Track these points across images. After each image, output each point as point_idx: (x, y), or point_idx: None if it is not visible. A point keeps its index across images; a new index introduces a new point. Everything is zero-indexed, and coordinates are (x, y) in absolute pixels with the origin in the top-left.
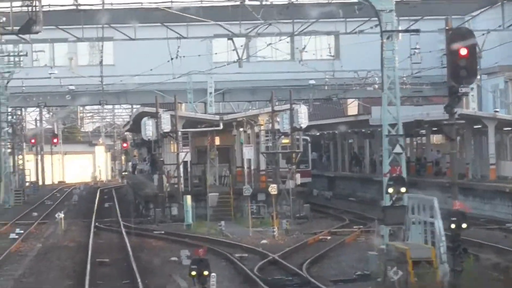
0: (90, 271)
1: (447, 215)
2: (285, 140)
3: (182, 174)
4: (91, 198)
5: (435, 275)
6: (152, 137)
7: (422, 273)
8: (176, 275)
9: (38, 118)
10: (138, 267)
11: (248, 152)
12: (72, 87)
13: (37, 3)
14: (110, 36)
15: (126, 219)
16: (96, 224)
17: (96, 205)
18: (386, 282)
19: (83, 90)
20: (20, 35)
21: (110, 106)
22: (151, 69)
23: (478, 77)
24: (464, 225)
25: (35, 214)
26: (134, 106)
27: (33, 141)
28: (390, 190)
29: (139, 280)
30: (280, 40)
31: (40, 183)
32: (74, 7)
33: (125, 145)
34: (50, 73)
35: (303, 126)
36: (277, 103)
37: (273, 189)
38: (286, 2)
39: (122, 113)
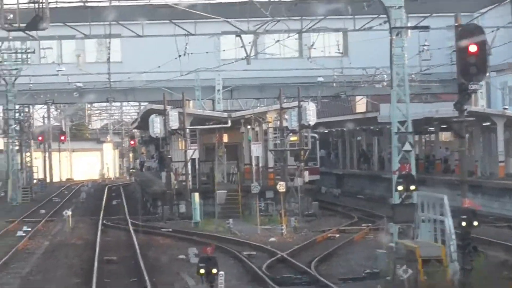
0: (98, 269)
1: (456, 213)
2: (293, 138)
3: (190, 172)
4: (99, 196)
5: (445, 274)
6: (160, 134)
7: (432, 271)
8: (184, 273)
9: (45, 115)
10: (146, 265)
11: (256, 150)
12: (80, 84)
13: (44, 0)
14: (117, 33)
15: (134, 216)
16: (104, 221)
17: (103, 203)
18: (395, 281)
19: (90, 87)
20: (27, 32)
21: (118, 104)
22: (158, 66)
23: (487, 74)
24: (475, 223)
25: (42, 211)
26: (142, 103)
27: (40, 138)
28: (400, 187)
29: (146, 278)
30: (289, 36)
31: (48, 180)
32: (81, 4)
33: (133, 142)
34: (58, 70)
35: (312, 123)
36: (285, 100)
37: (281, 186)
38: None
39: (130, 110)
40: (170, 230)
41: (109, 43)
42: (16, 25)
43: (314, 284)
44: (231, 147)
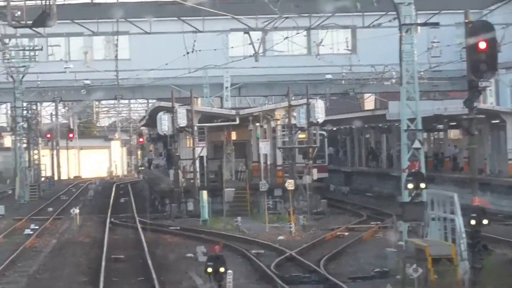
0: (105, 267)
1: (466, 211)
2: (302, 135)
3: (198, 169)
4: (107, 193)
5: (456, 273)
6: (168, 131)
7: (442, 270)
8: (192, 272)
9: (53, 112)
10: (154, 264)
11: (264, 147)
12: (88, 82)
13: None
14: (125, 30)
15: (142, 214)
16: (112, 219)
17: (111, 200)
18: (405, 280)
19: (98, 85)
20: (34, 29)
21: (126, 101)
22: (166, 64)
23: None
24: (485, 221)
25: (50, 209)
26: (150, 101)
27: (48, 136)
28: (409, 185)
29: (154, 276)
30: (297, 33)
31: (56, 178)
32: (89, 1)
33: (141, 140)
34: (66, 68)
35: (320, 121)
36: (293, 98)
37: (290, 184)
38: None
39: (138, 107)
40: (178, 228)
41: (117, 40)
42: (23, 22)
43: (323, 283)
44: (239, 145)
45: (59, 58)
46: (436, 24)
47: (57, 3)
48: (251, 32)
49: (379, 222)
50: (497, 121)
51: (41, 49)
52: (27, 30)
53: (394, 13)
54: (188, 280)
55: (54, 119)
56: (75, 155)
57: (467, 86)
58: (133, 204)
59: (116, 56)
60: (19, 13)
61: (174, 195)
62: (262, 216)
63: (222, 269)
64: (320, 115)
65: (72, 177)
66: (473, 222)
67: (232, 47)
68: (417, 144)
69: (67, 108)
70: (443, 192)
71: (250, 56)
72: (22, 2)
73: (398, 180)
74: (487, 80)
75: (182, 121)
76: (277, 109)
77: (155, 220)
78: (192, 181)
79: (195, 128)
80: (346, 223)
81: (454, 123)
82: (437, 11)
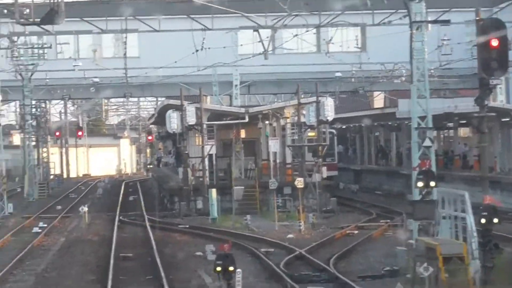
0: (114, 266)
1: (476, 209)
2: (311, 133)
3: (207, 167)
4: (116, 191)
5: (467, 272)
6: (177, 129)
7: (453, 269)
8: (201, 271)
9: (62, 110)
10: (162, 262)
11: (274, 145)
12: (96, 80)
13: None
14: (134, 28)
15: (151, 212)
16: (120, 217)
17: (120, 198)
18: (415, 279)
19: (107, 83)
20: (43, 27)
21: (135, 99)
22: (175, 61)
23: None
24: (495, 220)
25: (59, 207)
26: (159, 99)
27: (57, 133)
28: (420, 184)
29: (163, 275)
30: (307, 31)
31: (65, 176)
32: None
33: (150, 138)
34: (74, 66)
35: (330, 119)
36: (303, 96)
37: (299, 182)
38: None
39: (147, 105)
40: (187, 226)
41: (125, 38)
42: (31, 19)
43: (333, 282)
44: (248, 143)
45: (68, 56)
46: (447, 22)
47: (65, 0)
48: (260, 30)
49: (388, 220)
50: (507, 119)
51: (50, 47)
52: (36, 28)
53: (404, 10)
54: (197, 278)
55: (63, 117)
56: (84, 153)
57: (478, 84)
58: (142, 202)
59: (125, 54)
60: (27, 11)
61: (183, 193)
62: (271, 214)
63: (231, 268)
64: (329, 113)
65: (81, 175)
66: (483, 220)
67: (241, 45)
68: (427, 142)
69: (76, 106)
70: (454, 190)
71: (260, 54)
72: (30, 0)
73: (408, 178)
74: (498, 78)
75: (191, 119)
76: (287, 107)
77: (164, 218)
78: (201, 179)
79: (204, 126)
80: (356, 221)
81: (464, 121)
82: (447, 9)
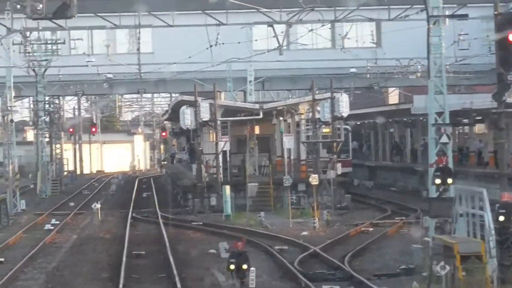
0: (126, 263)
1: (493, 207)
2: (326, 129)
3: (221, 164)
4: (129, 188)
5: (485, 271)
6: (191, 126)
7: (471, 268)
8: (214, 269)
9: (76, 106)
10: (175, 260)
11: (288, 142)
12: (110, 76)
13: None
14: (148, 24)
15: (164, 209)
16: (133, 214)
17: (134, 195)
18: (432, 277)
19: (121, 79)
20: (56, 22)
21: (149, 95)
22: (189, 57)
23: None
24: None
25: (71, 204)
26: (173, 95)
27: (71, 130)
28: (437, 181)
29: (175, 273)
30: (323, 25)
31: (78, 172)
32: None
33: (164, 134)
34: (88, 61)
35: (344, 115)
36: (317, 92)
37: (314, 179)
38: None
39: (161, 101)
40: (201, 223)
41: (139, 33)
42: (43, 14)
43: (347, 280)
44: (262, 139)
45: (81, 52)
46: (464, 16)
47: None
48: (275, 25)
49: (404, 218)
50: None
51: (64, 43)
52: (49, 24)
53: (420, 6)
54: (210, 277)
55: (76, 113)
56: (98, 149)
57: (496, 79)
58: (156, 199)
59: (138, 50)
60: (40, 6)
61: (197, 190)
62: (285, 211)
63: (245, 266)
64: (344, 109)
65: (94, 172)
66: (501, 218)
67: (256, 40)
68: (444, 139)
69: (89, 102)
70: (471, 187)
71: (274, 49)
72: None
73: (423, 175)
74: None
75: (205, 115)
76: (301, 103)
77: (177, 215)
78: (215, 175)
79: (218, 122)
80: (370, 218)
81: (480, 117)
82: (462, 5)
